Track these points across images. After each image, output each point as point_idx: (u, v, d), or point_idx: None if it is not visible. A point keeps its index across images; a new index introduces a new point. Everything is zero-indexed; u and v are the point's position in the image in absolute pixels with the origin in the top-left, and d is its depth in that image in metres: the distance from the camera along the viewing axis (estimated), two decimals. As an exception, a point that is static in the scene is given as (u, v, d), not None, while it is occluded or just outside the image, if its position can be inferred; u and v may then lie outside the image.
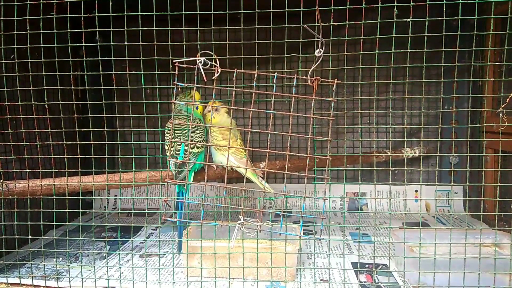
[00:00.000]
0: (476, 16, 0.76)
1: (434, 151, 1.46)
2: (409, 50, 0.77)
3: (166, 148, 1.10)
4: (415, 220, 1.39)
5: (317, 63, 0.73)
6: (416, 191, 1.51)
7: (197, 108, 1.15)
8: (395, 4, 0.75)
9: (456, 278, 0.78)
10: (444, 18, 0.75)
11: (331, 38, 0.77)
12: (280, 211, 0.86)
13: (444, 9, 0.75)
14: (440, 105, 0.91)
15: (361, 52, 0.79)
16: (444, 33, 0.76)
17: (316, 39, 0.72)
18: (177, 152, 1.07)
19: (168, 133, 1.11)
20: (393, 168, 0.91)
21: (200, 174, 1.11)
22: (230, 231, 0.80)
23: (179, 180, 1.01)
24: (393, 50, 0.77)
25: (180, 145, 1.07)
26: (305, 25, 0.71)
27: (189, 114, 1.11)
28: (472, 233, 0.96)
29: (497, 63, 1.18)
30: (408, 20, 0.76)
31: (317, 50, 0.72)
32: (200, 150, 1.09)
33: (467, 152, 0.82)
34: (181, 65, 0.74)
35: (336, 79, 0.74)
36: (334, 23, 0.76)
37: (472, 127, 1.31)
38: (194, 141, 1.07)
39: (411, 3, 0.75)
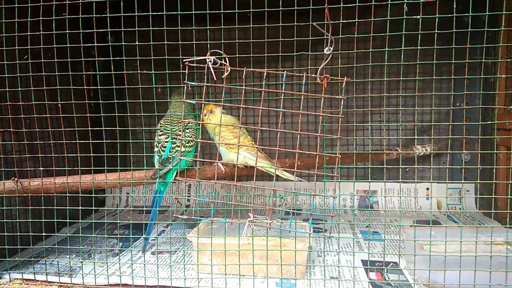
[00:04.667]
0: (487, 12, 0.75)
1: (445, 148, 1.45)
2: (419, 47, 0.77)
3: (155, 144, 1.12)
4: (426, 218, 1.38)
5: (327, 61, 0.73)
6: (428, 189, 1.50)
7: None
8: (405, 1, 0.75)
9: (467, 276, 0.78)
10: (455, 14, 0.74)
11: (340, 36, 0.77)
12: (290, 209, 0.87)
13: (455, 5, 0.74)
14: (451, 102, 0.90)
15: (371, 50, 0.79)
16: (454, 30, 0.75)
17: (325, 37, 0.72)
18: (163, 149, 1.08)
19: (159, 130, 1.13)
20: (404, 166, 0.91)
21: (189, 174, 1.11)
22: (240, 229, 0.80)
23: (158, 177, 1.03)
24: (403, 47, 0.76)
25: (167, 142, 1.08)
26: (314, 23, 0.71)
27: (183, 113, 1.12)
28: (484, 231, 0.95)
29: (509, 60, 1.17)
30: (418, 17, 0.76)
31: (326, 48, 0.72)
32: (188, 150, 1.10)
33: (479, 150, 0.82)
34: (191, 64, 0.74)
35: (345, 77, 0.74)
36: (344, 21, 0.76)
37: (484, 124, 1.29)
38: (184, 140, 1.07)
39: (421, 0, 0.74)
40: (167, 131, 1.11)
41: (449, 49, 0.77)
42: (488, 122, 1.29)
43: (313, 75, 0.75)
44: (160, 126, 1.14)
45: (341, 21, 0.76)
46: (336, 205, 1.48)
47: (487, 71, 1.33)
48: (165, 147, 1.08)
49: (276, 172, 0.96)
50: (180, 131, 1.09)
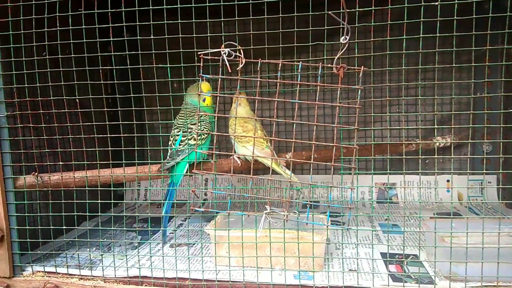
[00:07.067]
0: (509, -3, 0.73)
1: (466, 139, 1.41)
2: (438, 35, 0.75)
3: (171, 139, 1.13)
4: (447, 211, 1.36)
5: (343, 50, 0.71)
6: (448, 180, 1.48)
7: (204, 100, 1.13)
8: (423, -13, 0.73)
9: (489, 268, 0.76)
10: (475, 0, 0.72)
11: (357, 25, 0.76)
12: (307, 202, 0.86)
13: (475, -9, 0.72)
14: (472, 91, 0.87)
15: (389, 38, 0.77)
16: (474, 16, 0.73)
17: (341, 26, 0.71)
18: (174, 143, 1.09)
19: (174, 125, 1.14)
20: (423, 157, 0.89)
21: (205, 167, 1.11)
22: (257, 221, 0.80)
23: (165, 169, 1.03)
24: (421, 35, 0.75)
25: (178, 136, 1.09)
26: (330, 12, 0.70)
27: (197, 106, 1.12)
28: (506, 222, 0.93)
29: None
30: (437, 3, 0.74)
31: (343, 37, 0.71)
32: (200, 143, 1.09)
33: (501, 140, 0.80)
34: (205, 57, 0.74)
35: (362, 66, 0.73)
36: (360, 9, 0.75)
37: (506, 113, 1.26)
38: (194, 133, 1.07)
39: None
40: (180, 125, 1.11)
41: (468, 38, 0.75)
42: (510, 111, 1.26)
43: (329, 65, 0.74)
44: (175, 121, 1.15)
45: (357, 9, 0.74)
46: (354, 198, 1.47)
47: (508, 59, 1.29)
48: (176, 140, 1.09)
49: (273, 165, 0.96)
50: (192, 124, 1.09)
